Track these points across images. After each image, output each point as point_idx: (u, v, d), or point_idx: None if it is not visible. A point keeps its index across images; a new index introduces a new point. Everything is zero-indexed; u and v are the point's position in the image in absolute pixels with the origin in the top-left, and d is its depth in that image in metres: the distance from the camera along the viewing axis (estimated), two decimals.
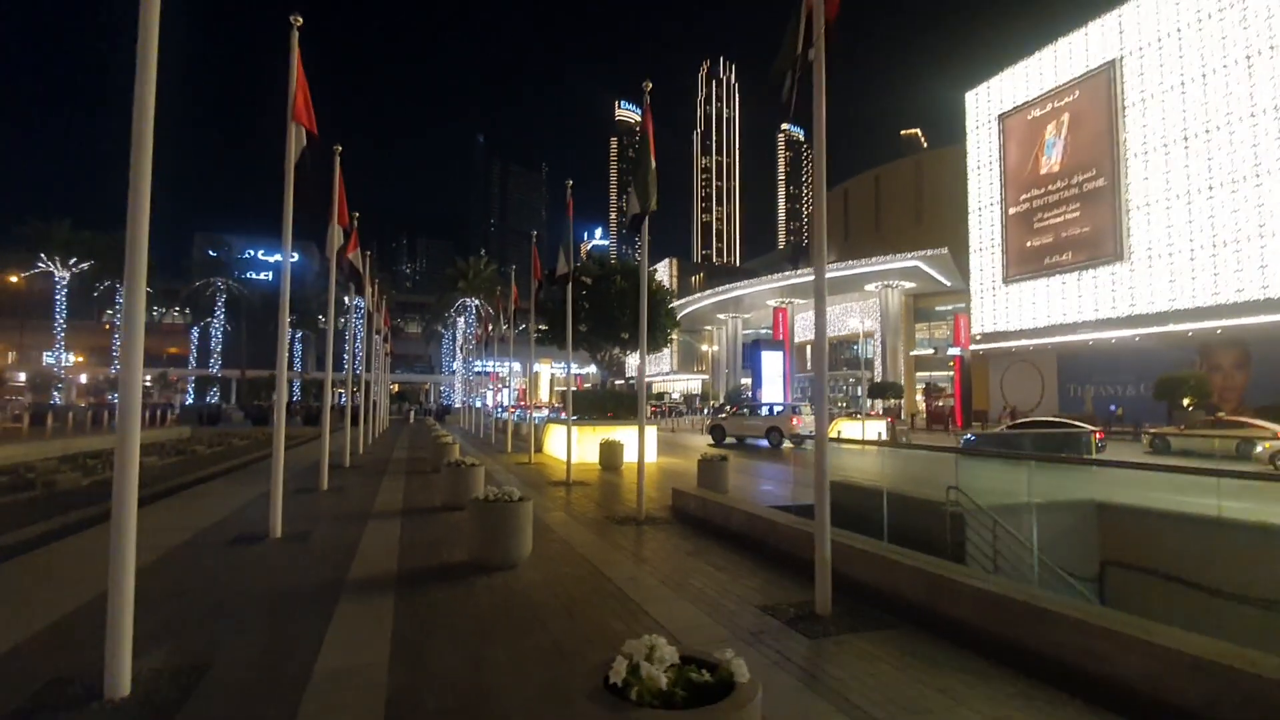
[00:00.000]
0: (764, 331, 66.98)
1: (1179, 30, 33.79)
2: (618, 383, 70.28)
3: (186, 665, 4.13)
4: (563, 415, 26.05)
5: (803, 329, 64.14)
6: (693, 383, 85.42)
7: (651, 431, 14.35)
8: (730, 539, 7.80)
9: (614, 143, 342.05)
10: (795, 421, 24.73)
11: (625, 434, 16.74)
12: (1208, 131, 32.27)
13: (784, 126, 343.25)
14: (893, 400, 47.18)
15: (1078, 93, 39.04)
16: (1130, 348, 36.04)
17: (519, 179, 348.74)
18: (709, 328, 78.66)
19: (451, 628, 4.89)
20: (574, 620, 5.05)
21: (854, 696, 3.66)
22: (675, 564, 6.81)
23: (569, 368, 17.40)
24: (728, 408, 33.20)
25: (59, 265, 53.37)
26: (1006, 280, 43.15)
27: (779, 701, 3.55)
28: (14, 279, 53.80)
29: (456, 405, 62.92)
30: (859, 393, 48.59)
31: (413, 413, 54.17)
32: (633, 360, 70.99)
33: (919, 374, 55.75)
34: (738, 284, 65.27)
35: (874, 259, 50.64)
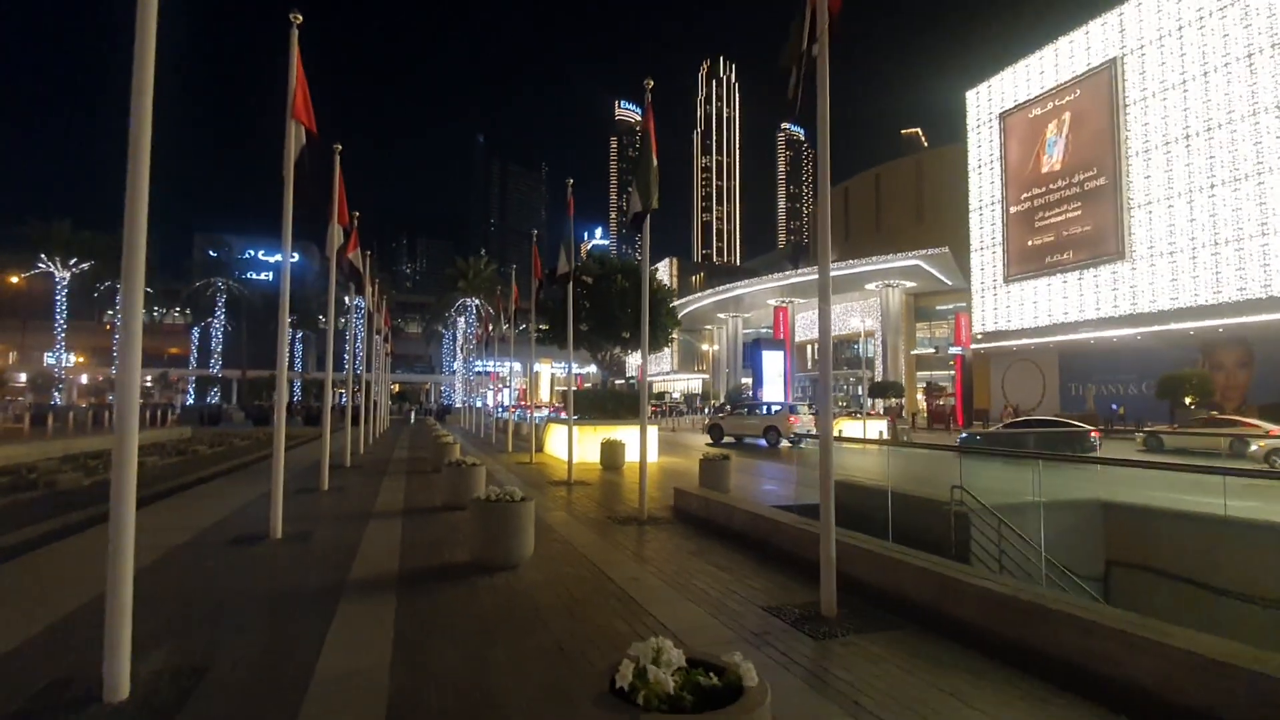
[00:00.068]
0: (764, 331, 66.92)
1: (1180, 28, 33.73)
2: (618, 382, 70.25)
3: (186, 667, 4.09)
4: (562, 415, 26.08)
5: (803, 328, 64.07)
6: (693, 382, 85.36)
7: (652, 431, 14.32)
8: (733, 539, 7.76)
9: (614, 142, 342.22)
10: (793, 421, 24.79)
11: (626, 433, 16.69)
12: (1209, 130, 32.22)
13: (784, 126, 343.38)
14: (893, 400, 47.10)
15: (1079, 91, 38.99)
16: (1132, 346, 36.01)
17: (519, 179, 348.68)
18: (709, 327, 78.62)
19: (453, 628, 4.85)
20: (576, 621, 5.01)
21: (861, 699, 3.61)
22: (678, 564, 6.77)
23: (570, 367, 17.36)
24: (727, 407, 33.20)
25: (59, 265, 53.31)
26: (1008, 279, 43.11)
27: (786, 704, 3.51)
28: (14, 279, 53.77)
29: (457, 405, 62.90)
30: (860, 392, 48.51)
31: (413, 413, 54.14)
32: (633, 360, 70.99)
33: (920, 373, 55.69)
34: (738, 283, 65.22)
35: (875, 258, 50.58)
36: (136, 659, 3.82)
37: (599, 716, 2.09)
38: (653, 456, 16.52)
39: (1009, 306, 43.02)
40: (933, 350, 55.77)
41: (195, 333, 72.18)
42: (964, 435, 25.26)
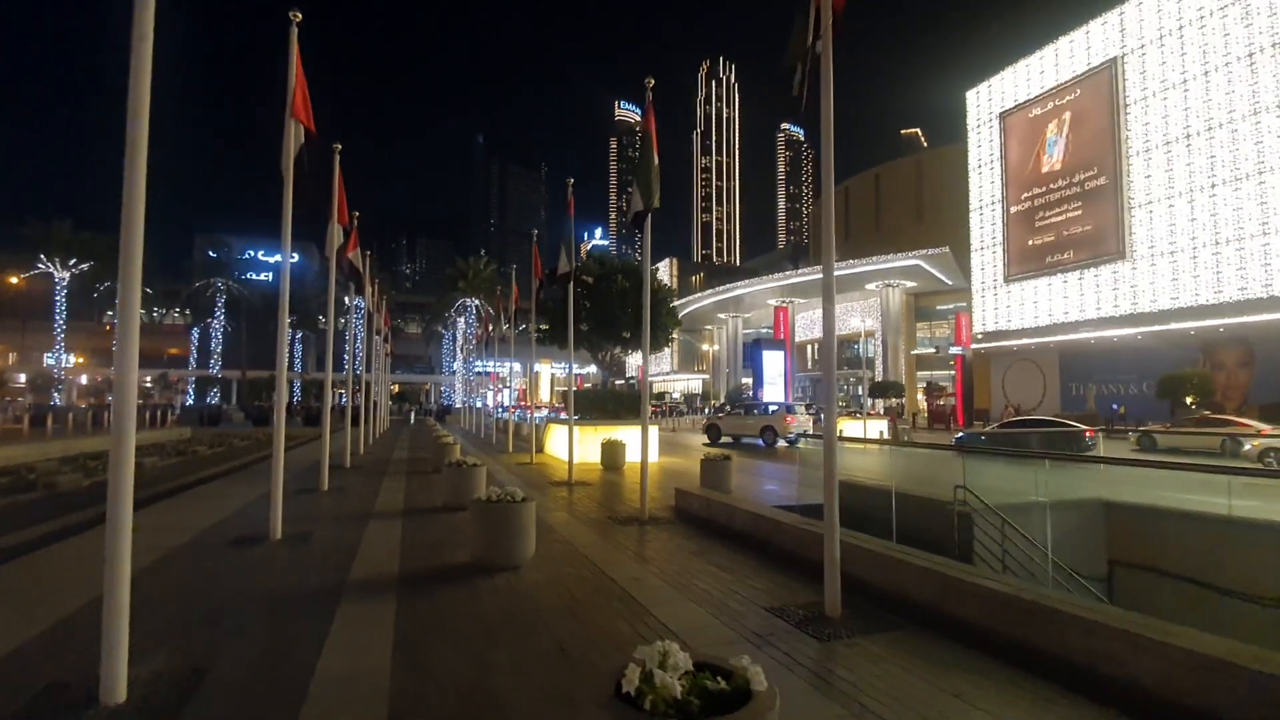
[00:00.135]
0: (764, 331, 66.91)
1: (1181, 28, 33.71)
2: (618, 382, 70.21)
3: (185, 669, 4.06)
4: (562, 415, 26.05)
5: (803, 328, 64.06)
6: (693, 382, 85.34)
7: (653, 431, 14.31)
8: (734, 539, 7.73)
9: (614, 143, 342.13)
10: (789, 421, 24.87)
11: (627, 434, 16.66)
12: (1210, 129, 32.19)
13: (784, 126, 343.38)
14: (894, 399, 47.07)
15: (1079, 91, 38.97)
16: (1133, 346, 35.98)
17: (518, 179, 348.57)
18: (709, 327, 78.61)
19: (454, 630, 4.81)
20: (579, 622, 4.98)
21: (867, 700, 3.58)
22: (680, 564, 6.74)
23: (570, 367, 17.32)
24: (727, 407, 33.23)
25: (59, 266, 53.28)
26: (1008, 279, 43.09)
27: (791, 706, 3.47)
28: (14, 280, 53.74)
29: (457, 405, 62.88)
30: (860, 392, 48.47)
31: (413, 413, 54.10)
32: (633, 360, 70.97)
33: (920, 373, 55.66)
34: (738, 283, 65.21)
35: (875, 258, 50.57)
36: (135, 661, 3.79)
37: None
38: (653, 457, 16.50)
39: (1009, 306, 43.00)
40: (933, 350, 55.74)
41: (195, 333, 72.13)
42: (960, 435, 25.41)
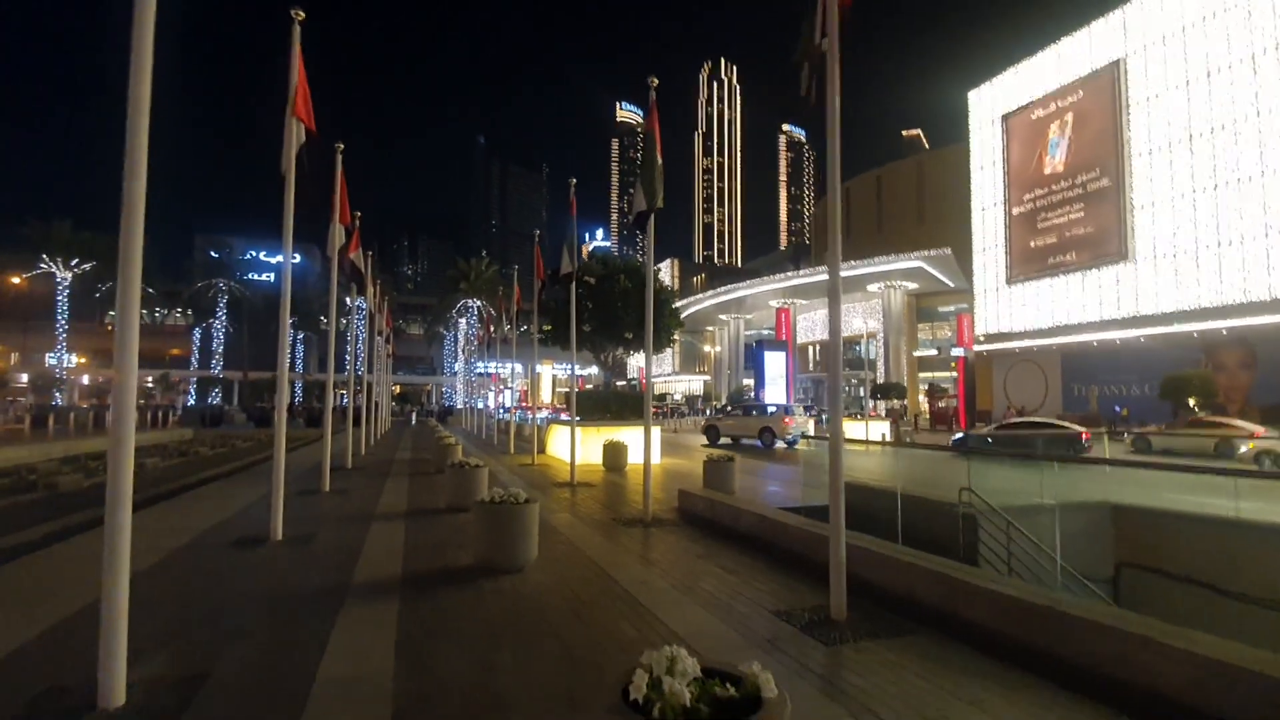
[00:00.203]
0: (766, 332, 66.84)
1: (1183, 29, 33.64)
2: (619, 383, 70.15)
3: (185, 673, 4.01)
4: (563, 416, 25.99)
5: (805, 329, 63.99)
6: (694, 383, 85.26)
7: (655, 432, 14.26)
8: (739, 541, 7.68)
9: (615, 144, 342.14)
10: (787, 422, 24.96)
11: (629, 435, 16.62)
12: (1212, 131, 32.12)
13: (785, 127, 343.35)
14: (896, 401, 46.97)
15: (1081, 92, 38.89)
16: (1135, 348, 35.88)
17: (519, 180, 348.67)
18: (711, 328, 78.53)
19: (458, 633, 4.77)
20: (584, 625, 4.93)
21: (877, 707, 3.53)
22: (684, 566, 6.69)
23: (573, 368, 17.29)
24: (728, 408, 33.23)
25: (60, 266, 53.29)
26: (1010, 280, 43.00)
27: (800, 712, 3.41)
28: (16, 280, 53.75)
29: (458, 407, 62.84)
30: (861, 393, 48.41)
31: (414, 414, 54.07)
32: (634, 361, 70.87)
33: (922, 375, 55.57)
34: (740, 284, 65.11)
35: (876, 259, 50.47)
36: (134, 664, 3.75)
37: None
38: (656, 458, 16.47)
39: (1011, 308, 42.91)
40: (935, 351, 55.63)
41: (197, 334, 72.17)
42: (957, 437, 25.51)
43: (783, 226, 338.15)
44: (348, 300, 27.20)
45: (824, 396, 62.26)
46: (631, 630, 4.79)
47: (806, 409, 41.71)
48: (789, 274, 62.33)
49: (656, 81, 8.92)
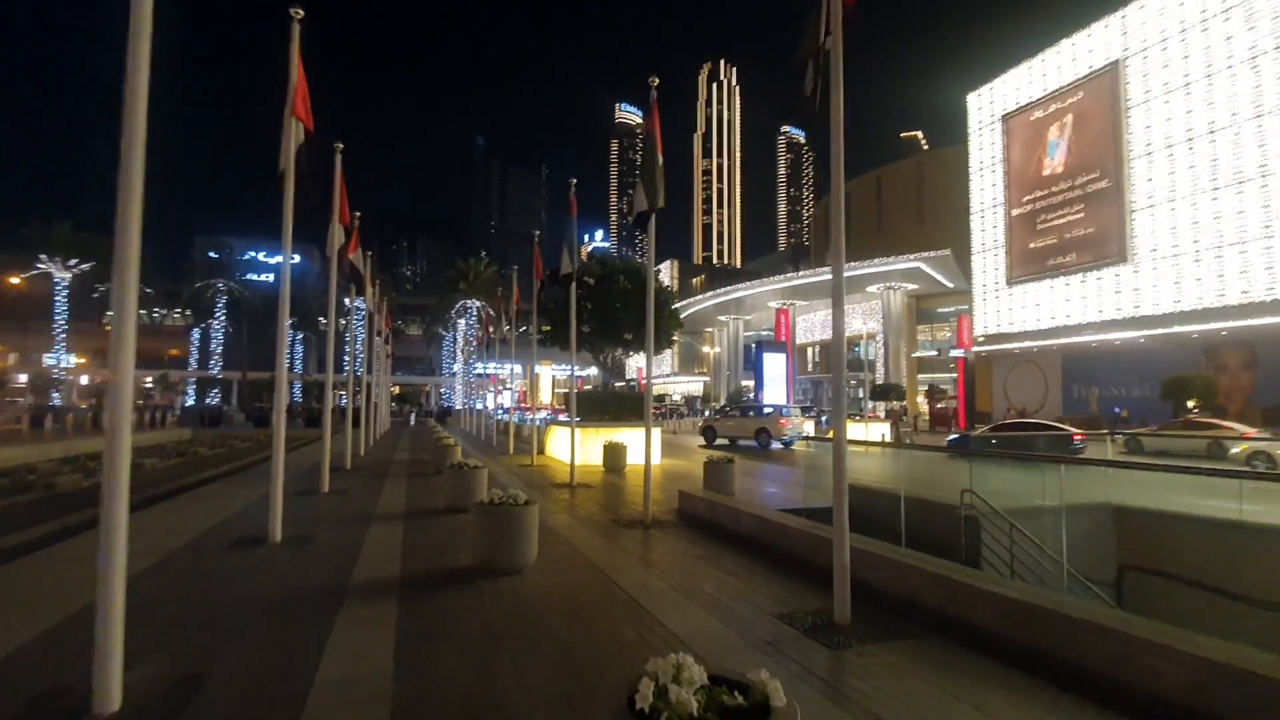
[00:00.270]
0: (765, 333, 66.82)
1: (1183, 30, 33.64)
2: (618, 384, 70.11)
3: (181, 676, 3.97)
4: (561, 417, 25.93)
5: (804, 330, 63.97)
6: (694, 384, 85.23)
7: (655, 433, 14.21)
8: (739, 543, 7.64)
9: (614, 145, 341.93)
10: (783, 423, 25.09)
11: (629, 436, 16.59)
12: (1212, 132, 32.10)
13: (784, 129, 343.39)
14: (896, 402, 46.93)
15: (1081, 93, 38.89)
16: (1135, 349, 35.88)
17: (519, 180, 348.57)
18: (710, 329, 78.48)
19: (458, 635, 4.73)
20: (584, 628, 4.89)
21: (882, 711, 3.49)
22: (685, 569, 6.65)
23: (573, 369, 17.25)
24: (727, 409, 33.27)
25: (59, 266, 53.24)
26: (1010, 281, 42.98)
27: (805, 717, 3.38)
28: (15, 280, 53.68)
29: (457, 407, 62.79)
30: (861, 394, 48.38)
31: (413, 415, 54.01)
32: (633, 362, 70.81)
33: (921, 376, 55.55)
34: (739, 285, 65.07)
35: (876, 260, 50.46)
36: (131, 666, 3.70)
37: None
38: (655, 459, 16.44)
39: (1011, 309, 42.88)
40: (934, 353, 55.63)
41: (195, 334, 72.13)
42: (951, 438, 25.65)
43: (782, 228, 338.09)
44: (347, 300, 27.18)
45: (823, 398, 62.27)
46: (632, 633, 4.75)
47: (805, 410, 41.72)
48: (788, 275, 62.35)
49: (657, 81, 8.88)
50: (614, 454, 15.61)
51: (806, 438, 23.97)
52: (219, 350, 68.38)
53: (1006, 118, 43.67)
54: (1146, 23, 35.50)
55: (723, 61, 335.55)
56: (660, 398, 72.14)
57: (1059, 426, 21.77)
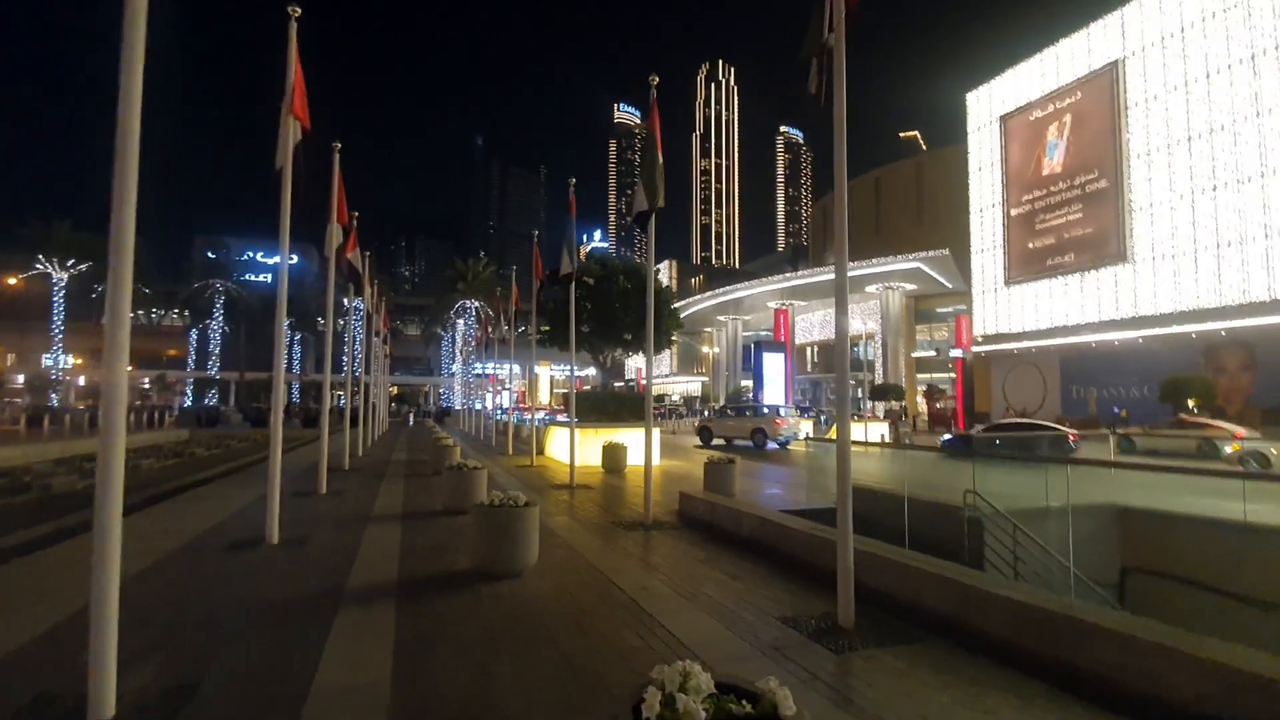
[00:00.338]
0: (764, 333, 66.75)
1: (1182, 30, 33.62)
2: (617, 385, 70.08)
3: (178, 681, 3.91)
4: (560, 417, 25.88)
5: (803, 330, 63.92)
6: (692, 385, 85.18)
7: (654, 434, 14.13)
8: (741, 545, 7.58)
9: (613, 145, 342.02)
10: (779, 423, 25.15)
11: (628, 436, 16.53)
12: (1211, 132, 32.08)
13: (782, 129, 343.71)
14: (894, 402, 46.92)
15: (1080, 93, 38.86)
16: (1134, 349, 35.84)
17: (518, 180, 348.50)
18: (709, 330, 78.42)
19: (457, 641, 4.66)
20: (585, 633, 4.82)
21: (891, 718, 3.43)
22: (686, 571, 6.59)
23: (572, 369, 17.19)
24: (726, 410, 33.28)
25: (57, 267, 53.10)
26: (1008, 282, 42.95)
27: None
28: (13, 281, 53.54)
29: (456, 407, 62.73)
30: (859, 394, 48.32)
31: (411, 415, 53.91)
32: (632, 362, 70.80)
33: (920, 376, 55.52)
34: (738, 286, 65.00)
35: (875, 260, 50.40)
36: (125, 672, 3.64)
37: None
38: (655, 460, 16.38)
39: (1010, 309, 42.85)
40: (933, 353, 55.60)
41: (193, 334, 71.93)
42: (945, 439, 25.68)
43: (780, 228, 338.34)
44: (345, 300, 27.09)
45: (822, 398, 62.24)
46: (634, 638, 4.68)
47: (805, 410, 41.69)
48: (787, 275, 62.29)
49: (657, 80, 8.83)
50: (613, 455, 15.55)
51: (806, 438, 23.95)
52: (217, 351, 68.24)
53: (1005, 118, 43.64)
54: (1145, 22, 35.47)
55: (721, 62, 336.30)
56: (659, 398, 72.12)
57: (1055, 427, 21.78)
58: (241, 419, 49.34)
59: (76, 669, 3.74)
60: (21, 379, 61.20)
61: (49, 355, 55.74)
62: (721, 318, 70.59)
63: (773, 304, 60.97)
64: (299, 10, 7.73)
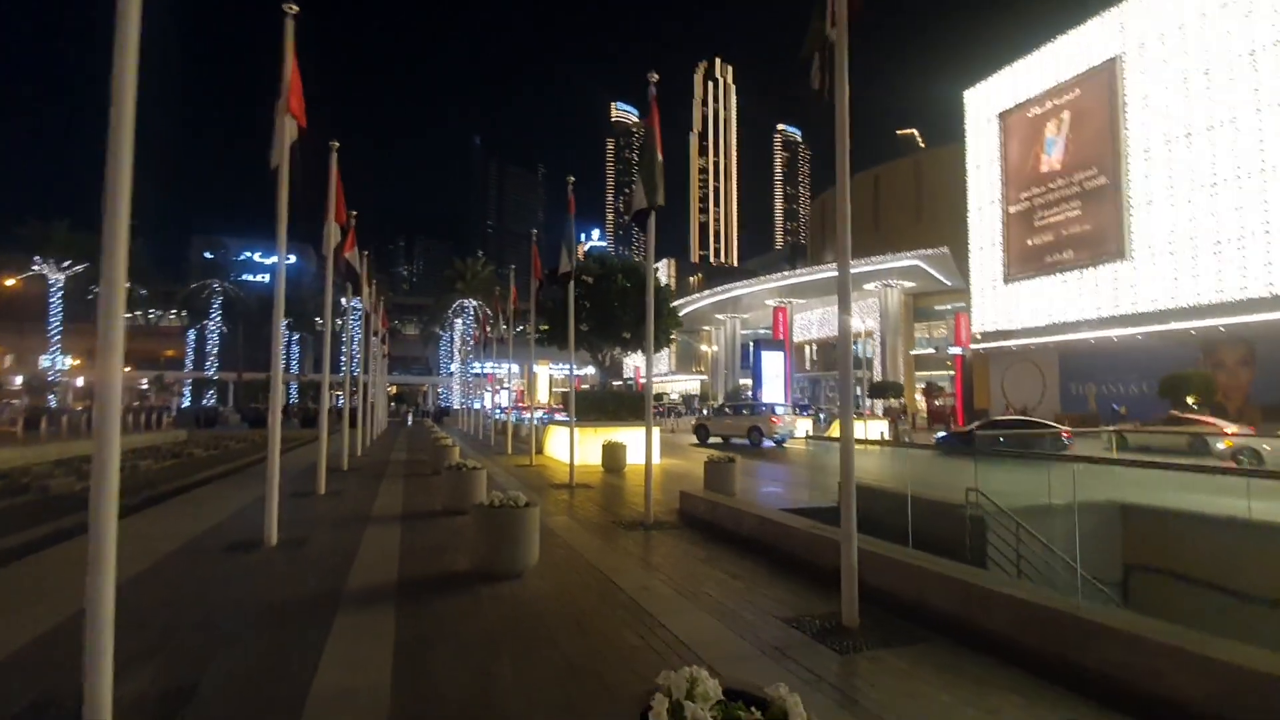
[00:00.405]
0: (763, 331, 66.72)
1: (1181, 26, 33.56)
2: (615, 383, 70.05)
3: (175, 685, 3.86)
4: (558, 416, 25.81)
5: (801, 329, 63.91)
6: (691, 383, 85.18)
7: (654, 432, 14.09)
8: (742, 544, 7.54)
9: (610, 144, 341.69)
10: (774, 421, 25.17)
11: (628, 435, 16.48)
12: (1211, 128, 32.02)
13: (780, 127, 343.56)
14: (894, 400, 46.91)
15: (1078, 90, 38.81)
16: (1133, 346, 35.81)
17: (516, 180, 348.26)
18: (707, 328, 78.41)
19: (457, 642, 4.62)
20: (586, 634, 4.78)
21: None
22: (687, 571, 6.55)
23: (571, 368, 17.14)
24: (725, 408, 33.30)
25: (54, 267, 52.98)
26: (1007, 279, 42.91)
27: None
28: (10, 281, 53.39)
29: (455, 407, 62.69)
30: (859, 392, 48.32)
31: (410, 414, 53.85)
32: (631, 361, 70.72)
33: (919, 373, 55.53)
34: (736, 284, 64.98)
35: (874, 258, 50.35)
36: (122, 677, 3.58)
37: None
38: (655, 459, 16.34)
39: (1009, 306, 42.81)
40: (932, 350, 55.60)
41: (191, 335, 71.80)
42: (939, 436, 25.70)
43: (778, 226, 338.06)
44: (343, 300, 27.03)
45: (821, 396, 62.25)
46: (637, 639, 4.64)
47: (804, 409, 41.64)
48: (786, 273, 62.21)
49: (656, 77, 8.78)
50: (613, 454, 15.51)
51: (806, 436, 23.97)
52: (215, 351, 68.14)
53: (1004, 115, 43.58)
54: (1145, 18, 35.41)
55: (718, 60, 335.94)
56: (658, 396, 72.07)
57: (1049, 424, 21.82)
58: (240, 419, 49.27)
59: (76, 672, 3.70)
60: (19, 380, 61.07)
61: (47, 356, 55.63)
62: (720, 316, 70.59)
63: (771, 302, 60.94)
64: (295, 8, 7.68)
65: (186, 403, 67.97)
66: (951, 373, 49.67)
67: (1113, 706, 3.48)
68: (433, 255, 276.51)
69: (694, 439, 28.06)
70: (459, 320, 68.61)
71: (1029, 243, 41.46)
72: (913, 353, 56.60)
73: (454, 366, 71.21)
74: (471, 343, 62.80)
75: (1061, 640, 3.87)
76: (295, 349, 77.57)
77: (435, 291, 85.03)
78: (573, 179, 13.27)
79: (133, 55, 3.53)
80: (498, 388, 54.07)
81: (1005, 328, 42.89)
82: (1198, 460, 17.78)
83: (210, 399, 67.48)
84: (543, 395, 49.78)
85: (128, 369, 65.76)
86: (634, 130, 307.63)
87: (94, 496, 3.44)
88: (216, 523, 9.01)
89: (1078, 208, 38.46)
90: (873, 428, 29.23)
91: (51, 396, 53.99)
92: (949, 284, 50.86)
